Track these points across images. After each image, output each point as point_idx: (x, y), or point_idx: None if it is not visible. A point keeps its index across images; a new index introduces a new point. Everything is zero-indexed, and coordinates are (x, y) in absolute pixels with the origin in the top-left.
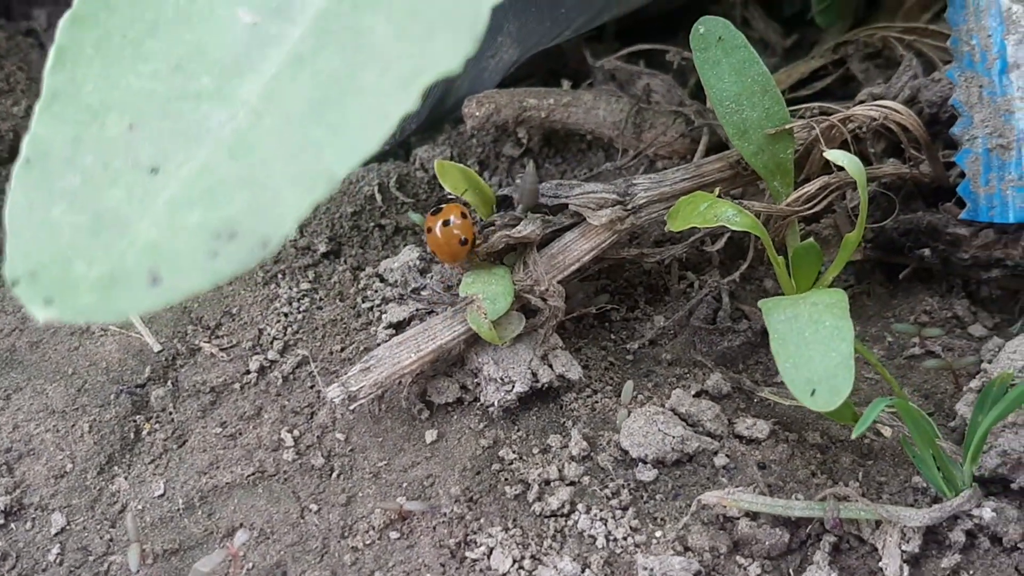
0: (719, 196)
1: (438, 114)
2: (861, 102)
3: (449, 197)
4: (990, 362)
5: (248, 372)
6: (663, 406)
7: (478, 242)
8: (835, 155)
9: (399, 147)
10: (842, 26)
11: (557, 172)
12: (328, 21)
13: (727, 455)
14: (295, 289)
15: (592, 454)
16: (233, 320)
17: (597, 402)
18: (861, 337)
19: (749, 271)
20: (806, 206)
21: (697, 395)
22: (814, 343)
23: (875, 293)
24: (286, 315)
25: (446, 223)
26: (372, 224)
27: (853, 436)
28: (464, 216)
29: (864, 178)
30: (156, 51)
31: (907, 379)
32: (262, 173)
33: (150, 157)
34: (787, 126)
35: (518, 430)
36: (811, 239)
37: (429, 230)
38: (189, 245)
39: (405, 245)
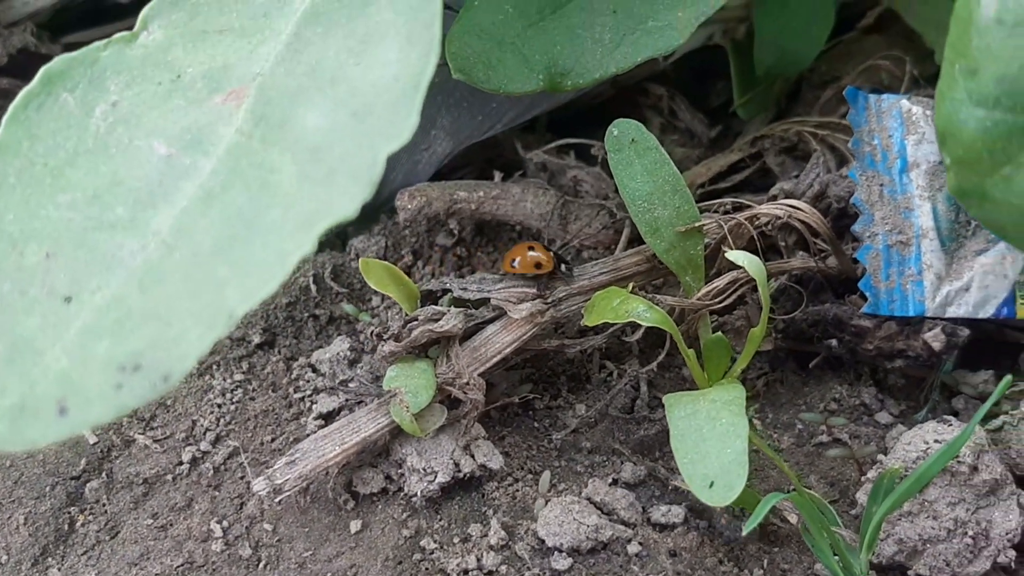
0: (636, 289)
1: (374, 204)
2: (773, 197)
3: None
4: (887, 452)
5: (181, 463)
6: (580, 495)
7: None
8: (736, 256)
9: (335, 237)
10: (764, 117)
11: (489, 261)
12: (238, 157)
13: (640, 543)
14: (229, 380)
15: (510, 543)
16: (167, 411)
17: (518, 491)
18: (773, 424)
19: (668, 359)
20: (716, 300)
21: (613, 483)
22: (711, 439)
23: (788, 380)
24: (219, 406)
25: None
26: (306, 314)
27: (744, 533)
28: (531, 248)
29: (764, 277)
30: (75, 181)
31: (814, 466)
32: (168, 308)
33: (65, 286)
34: (696, 224)
35: (440, 519)
36: (720, 332)
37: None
38: (96, 376)
39: (338, 335)
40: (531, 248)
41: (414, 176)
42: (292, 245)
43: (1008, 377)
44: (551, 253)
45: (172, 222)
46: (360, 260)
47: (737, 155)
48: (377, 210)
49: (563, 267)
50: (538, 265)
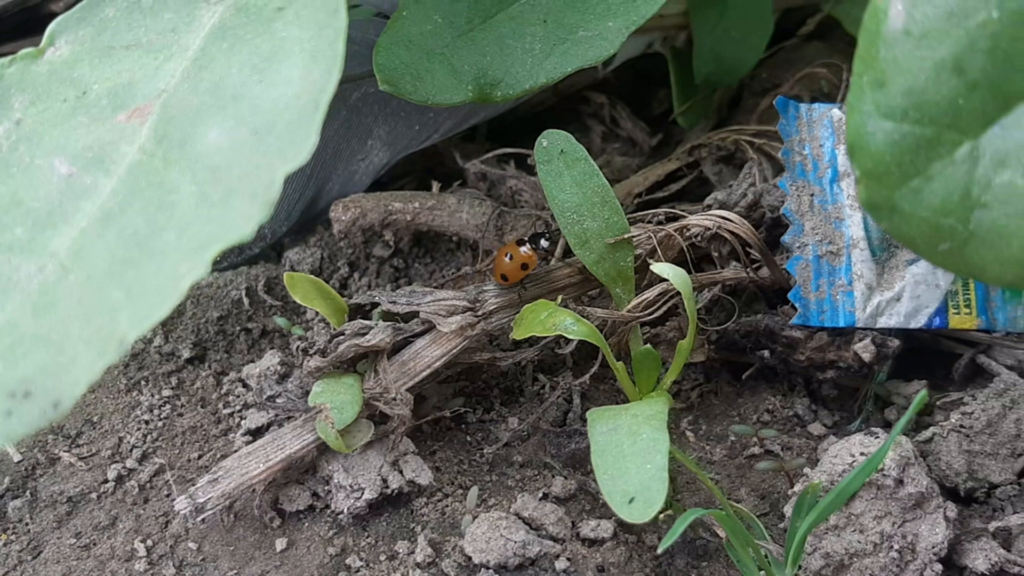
0: (567, 301)
1: (310, 215)
2: (708, 207)
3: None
4: (814, 465)
5: (106, 481)
6: (508, 510)
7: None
8: (661, 269)
9: (271, 249)
10: (705, 125)
11: (426, 272)
12: (139, 176)
13: (568, 559)
14: (157, 396)
15: (437, 560)
16: (94, 428)
17: (447, 506)
18: (707, 436)
19: (603, 371)
20: (646, 312)
21: (543, 498)
22: (631, 455)
23: (722, 391)
24: (147, 422)
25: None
26: (238, 328)
27: (659, 551)
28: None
29: (689, 290)
30: None
31: (746, 479)
32: (60, 333)
33: None
34: (626, 236)
35: (367, 536)
36: (650, 345)
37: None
38: None
39: (270, 348)
40: (508, 255)
41: (351, 186)
42: (185, 268)
43: (923, 393)
44: (531, 248)
45: (70, 244)
46: (285, 275)
47: (675, 164)
48: (314, 220)
49: (543, 242)
50: (524, 266)
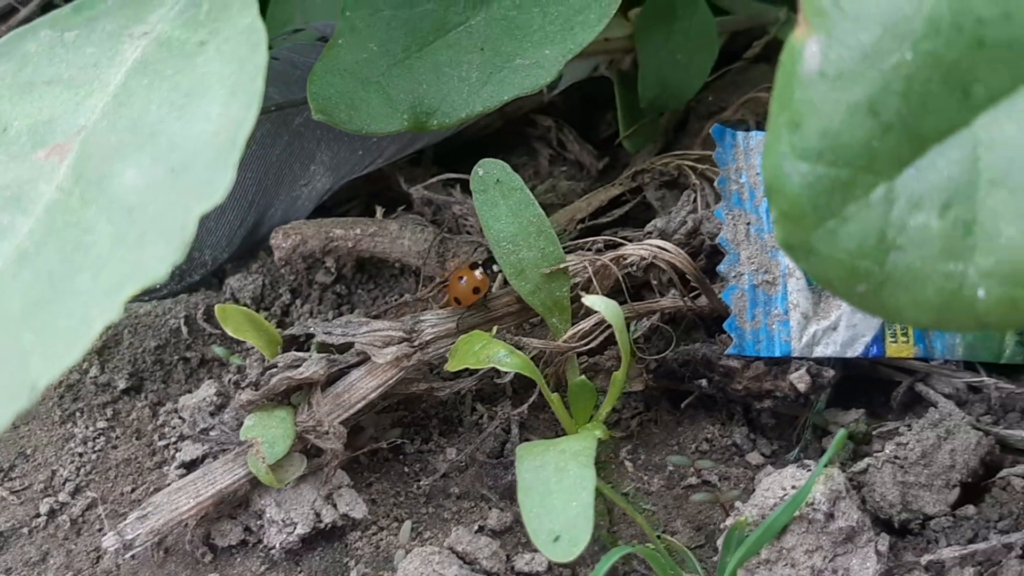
0: (503, 332)
1: (252, 241)
2: (648, 234)
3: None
4: (751, 495)
5: (38, 515)
6: (443, 544)
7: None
8: (592, 301)
9: (212, 276)
10: (651, 148)
11: (369, 298)
12: (55, 216)
13: None
14: (91, 428)
15: None
16: (27, 461)
17: (382, 540)
18: (645, 466)
19: (541, 400)
20: (582, 342)
21: (479, 531)
22: (557, 492)
23: (662, 420)
24: (80, 455)
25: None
26: (176, 357)
27: None
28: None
29: (621, 322)
30: None
31: (682, 510)
32: None
33: None
34: (561, 266)
35: (300, 572)
36: (584, 377)
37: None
38: None
39: (208, 378)
40: (461, 278)
41: (293, 212)
42: (98, 311)
43: (843, 432)
44: (484, 272)
45: None
46: (217, 307)
47: (618, 189)
48: (255, 247)
49: (495, 267)
50: (476, 290)
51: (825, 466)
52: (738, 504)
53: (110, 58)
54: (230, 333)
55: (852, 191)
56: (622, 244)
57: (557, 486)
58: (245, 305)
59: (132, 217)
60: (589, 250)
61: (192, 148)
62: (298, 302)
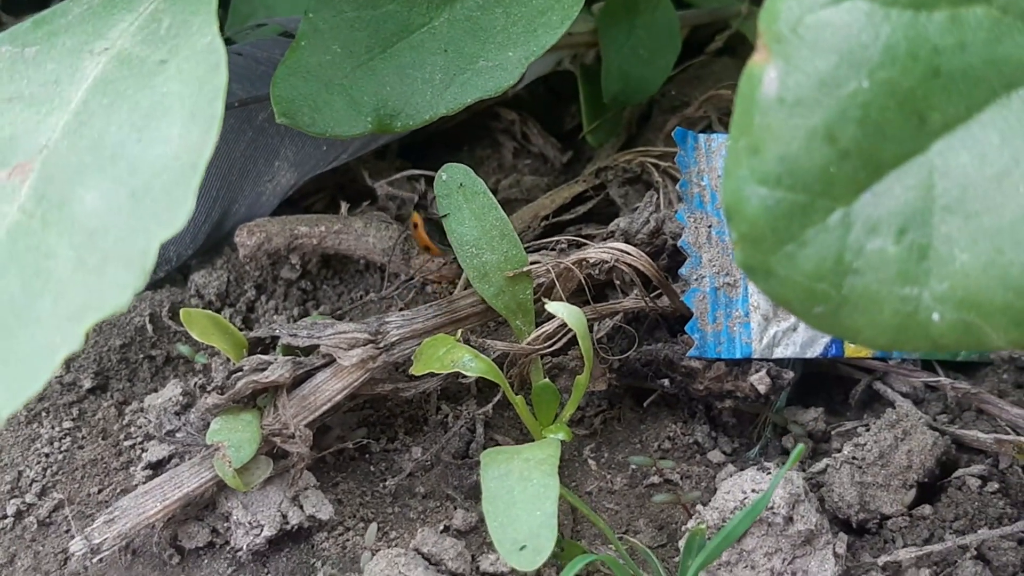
0: (467, 333)
1: (217, 237)
2: (611, 233)
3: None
4: (711, 494)
5: (5, 517)
6: (408, 545)
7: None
8: (554, 307)
9: (177, 272)
10: (615, 143)
11: (334, 294)
12: (17, 238)
13: None
14: (57, 428)
15: None
16: None
17: (348, 540)
18: (608, 465)
19: (506, 399)
20: (546, 344)
21: (444, 531)
22: (521, 502)
23: (625, 418)
24: (47, 455)
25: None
26: (142, 356)
27: None
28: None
29: (584, 328)
30: None
31: (645, 509)
32: None
33: None
34: (524, 269)
35: (267, 573)
36: (547, 380)
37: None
38: None
39: (174, 377)
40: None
41: (258, 208)
42: (60, 339)
43: (800, 447)
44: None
45: None
46: (182, 311)
47: (581, 186)
48: (220, 243)
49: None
50: (427, 249)
51: (779, 480)
52: (699, 507)
53: (71, 75)
54: (195, 337)
55: (810, 215)
56: (586, 244)
57: (521, 495)
58: (210, 301)
59: (93, 242)
60: (553, 250)
61: (152, 171)
62: (263, 298)
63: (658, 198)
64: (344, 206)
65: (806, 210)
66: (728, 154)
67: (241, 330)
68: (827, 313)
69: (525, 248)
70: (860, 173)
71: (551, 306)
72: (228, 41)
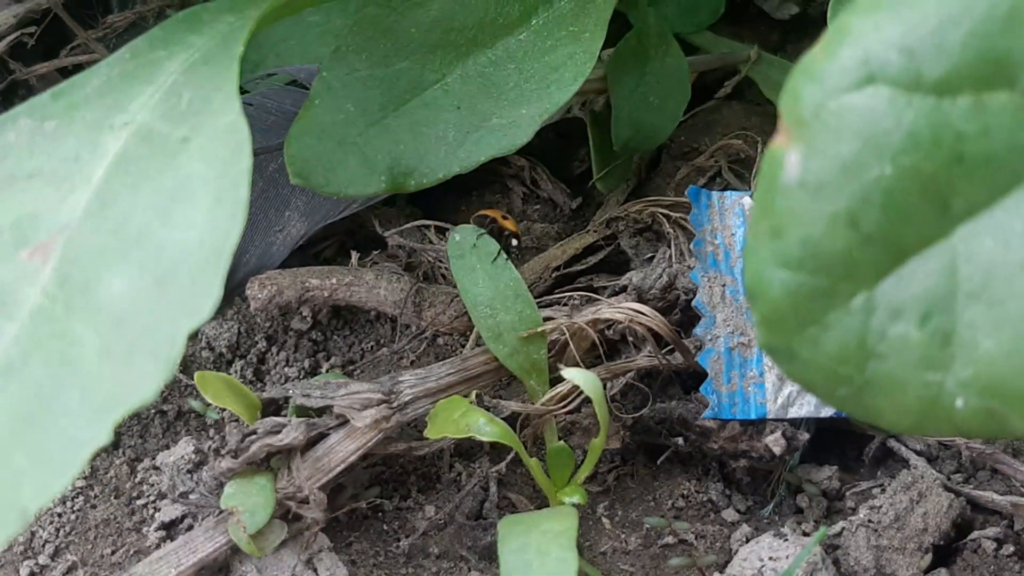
0: (480, 394)
1: (227, 288)
2: (624, 288)
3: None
4: (731, 556)
5: None
6: None
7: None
8: (571, 374)
9: None
10: (624, 188)
11: (345, 345)
12: (40, 324)
13: None
14: (70, 486)
15: None
16: None
17: None
18: (622, 523)
19: (519, 456)
20: (560, 404)
21: None
22: None
23: (638, 474)
24: (59, 515)
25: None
26: (153, 411)
27: None
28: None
29: (600, 395)
30: None
31: (660, 570)
32: None
33: None
34: (539, 330)
35: None
36: (562, 442)
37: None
38: None
39: (185, 433)
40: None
41: (268, 258)
42: (88, 434)
43: (823, 530)
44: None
45: None
46: (196, 375)
47: (592, 237)
48: (231, 294)
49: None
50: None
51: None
52: (716, 575)
53: (91, 150)
54: (209, 400)
55: (832, 299)
56: (598, 300)
57: (539, 570)
58: (220, 353)
59: (119, 330)
60: (566, 305)
61: (177, 257)
62: (274, 349)
63: (670, 253)
64: (355, 255)
65: (828, 294)
66: (749, 235)
67: (252, 382)
68: (850, 396)
69: (537, 303)
70: (883, 258)
71: (567, 372)
72: (239, 90)
